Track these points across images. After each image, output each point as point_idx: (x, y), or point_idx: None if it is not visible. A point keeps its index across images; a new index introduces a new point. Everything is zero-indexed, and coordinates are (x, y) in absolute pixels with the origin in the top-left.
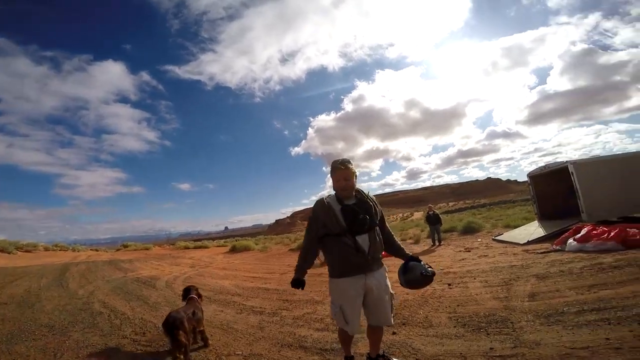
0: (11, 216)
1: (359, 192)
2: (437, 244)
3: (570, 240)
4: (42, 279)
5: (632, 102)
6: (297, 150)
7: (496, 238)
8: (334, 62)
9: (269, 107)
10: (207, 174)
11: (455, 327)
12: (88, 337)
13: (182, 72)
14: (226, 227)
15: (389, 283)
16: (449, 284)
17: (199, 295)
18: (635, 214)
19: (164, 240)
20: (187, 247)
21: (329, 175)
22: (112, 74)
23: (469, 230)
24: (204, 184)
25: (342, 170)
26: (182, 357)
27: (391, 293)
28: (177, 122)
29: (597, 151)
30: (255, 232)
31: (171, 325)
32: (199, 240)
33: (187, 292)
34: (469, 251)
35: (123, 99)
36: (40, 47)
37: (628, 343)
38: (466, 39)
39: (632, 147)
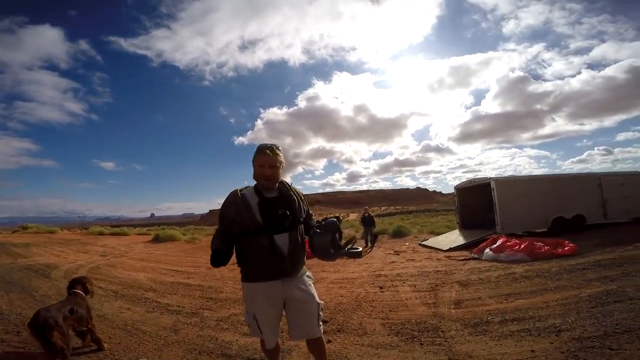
0: None
1: (283, 184)
2: (369, 245)
3: (487, 250)
4: None
5: (545, 130)
6: (241, 140)
7: (422, 243)
8: (295, 57)
9: (218, 93)
10: (136, 154)
11: (389, 335)
12: None
13: (127, 45)
14: (152, 214)
15: (313, 291)
16: (381, 287)
17: (86, 290)
18: (539, 229)
19: (76, 224)
20: (101, 233)
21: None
22: (45, 39)
23: (399, 234)
24: (131, 164)
25: (267, 156)
26: None
27: (318, 302)
28: (109, 96)
29: (509, 173)
30: (186, 221)
31: (41, 325)
32: (119, 226)
33: (71, 286)
34: (398, 254)
35: (51, 66)
36: None
37: (551, 355)
38: (422, 54)
39: (537, 172)
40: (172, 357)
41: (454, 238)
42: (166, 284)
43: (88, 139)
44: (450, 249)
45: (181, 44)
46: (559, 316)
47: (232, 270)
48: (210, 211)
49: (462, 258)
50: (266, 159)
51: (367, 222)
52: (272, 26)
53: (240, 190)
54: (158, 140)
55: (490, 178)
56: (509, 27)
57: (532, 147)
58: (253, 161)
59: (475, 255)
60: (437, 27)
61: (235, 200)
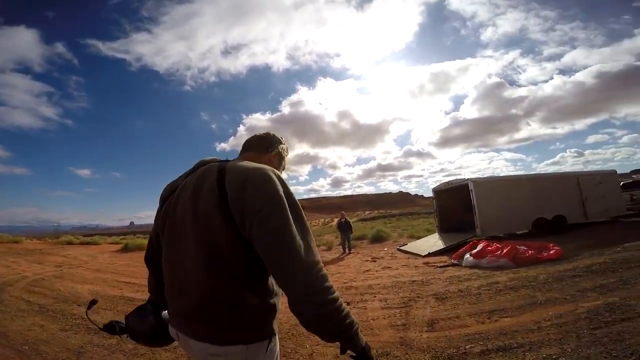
0: None
1: None
2: (347, 251)
3: (467, 255)
4: None
5: (521, 134)
6: (223, 146)
7: (401, 248)
8: (279, 63)
9: (199, 98)
10: (115, 161)
11: None
12: None
13: (105, 48)
14: (132, 222)
15: None
16: (348, 303)
17: None
18: (520, 231)
19: (50, 233)
20: (70, 243)
21: (280, 159)
22: (19, 41)
23: (378, 238)
24: (109, 172)
25: None
26: None
27: None
28: (86, 101)
29: (488, 175)
30: None
31: None
32: (92, 235)
33: None
34: (375, 261)
35: (24, 69)
36: None
37: None
38: (403, 60)
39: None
40: None
41: (433, 242)
42: (107, 298)
43: (62, 145)
44: (429, 254)
45: (162, 48)
46: (555, 342)
47: None
48: None
49: (441, 264)
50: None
51: (344, 227)
52: (256, 32)
53: None
54: (137, 147)
55: (468, 179)
56: (487, 34)
57: (509, 150)
58: (284, 157)
59: (455, 261)
60: (418, 34)
61: None
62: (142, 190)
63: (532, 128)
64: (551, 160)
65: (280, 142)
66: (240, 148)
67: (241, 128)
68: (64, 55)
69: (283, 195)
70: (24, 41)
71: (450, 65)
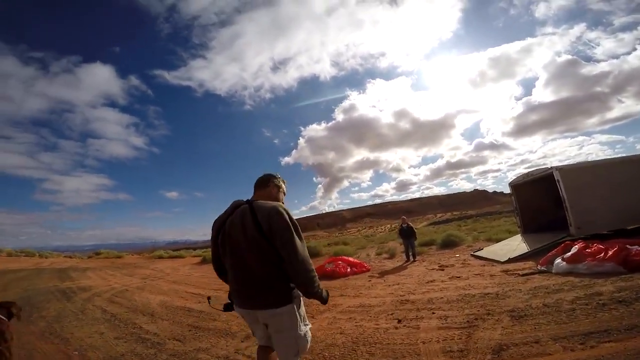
0: None
1: None
2: (411, 259)
3: (558, 260)
4: None
5: (613, 113)
6: (287, 160)
7: (475, 254)
8: (326, 71)
9: (260, 116)
10: (196, 182)
11: None
12: None
13: (171, 77)
14: None
15: None
16: (399, 321)
17: (10, 315)
18: (630, 226)
19: (148, 249)
20: (160, 257)
21: (278, 188)
22: (100, 77)
23: (449, 243)
24: (193, 193)
25: None
26: None
27: None
28: (166, 129)
29: None
30: None
31: None
32: (180, 249)
33: None
34: (443, 269)
35: (111, 103)
36: (30, 48)
37: None
38: (455, 50)
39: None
40: None
41: (515, 246)
42: (170, 309)
43: (153, 171)
44: (510, 260)
45: (218, 72)
46: None
47: None
48: None
49: (525, 272)
50: None
51: (406, 233)
52: (297, 43)
53: None
54: (213, 168)
55: (552, 168)
56: (540, 10)
57: (602, 132)
58: (283, 191)
59: (543, 268)
60: (463, 21)
61: None
62: (221, 206)
63: (627, 105)
64: None
65: (273, 177)
66: (302, 161)
67: (301, 141)
68: (140, 87)
69: (289, 221)
70: (104, 77)
71: (509, 48)
